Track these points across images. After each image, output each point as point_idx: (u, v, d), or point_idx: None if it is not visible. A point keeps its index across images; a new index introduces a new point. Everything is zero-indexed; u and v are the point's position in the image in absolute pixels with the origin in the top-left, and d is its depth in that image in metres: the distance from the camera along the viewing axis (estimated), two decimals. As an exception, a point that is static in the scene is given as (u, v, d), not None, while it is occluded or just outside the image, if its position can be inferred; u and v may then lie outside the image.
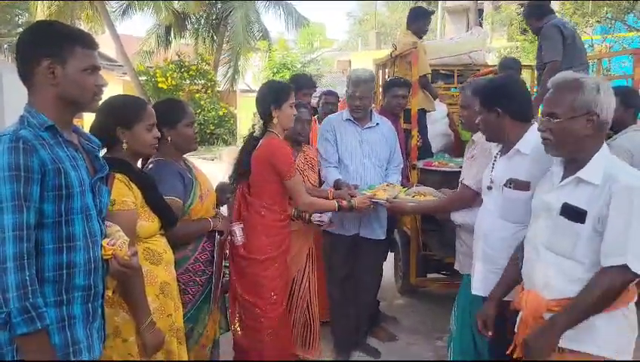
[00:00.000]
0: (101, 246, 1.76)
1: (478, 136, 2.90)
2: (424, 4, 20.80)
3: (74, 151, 1.72)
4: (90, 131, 2.28)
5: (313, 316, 3.60)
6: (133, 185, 2.19)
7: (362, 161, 3.63)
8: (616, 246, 1.80)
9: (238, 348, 3.18)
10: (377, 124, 3.72)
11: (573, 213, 1.91)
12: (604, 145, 1.97)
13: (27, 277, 1.51)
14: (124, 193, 2.14)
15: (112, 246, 1.78)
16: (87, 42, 1.72)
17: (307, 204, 3.11)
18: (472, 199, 2.87)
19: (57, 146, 1.65)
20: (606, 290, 1.81)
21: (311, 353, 3.62)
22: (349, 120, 3.69)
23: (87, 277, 1.70)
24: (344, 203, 3.20)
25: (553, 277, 1.95)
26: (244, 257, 3.01)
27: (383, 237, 3.79)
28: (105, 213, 1.86)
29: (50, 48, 1.66)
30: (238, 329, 3.11)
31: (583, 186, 1.92)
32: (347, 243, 3.68)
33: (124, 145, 2.23)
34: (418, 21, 4.95)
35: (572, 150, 1.97)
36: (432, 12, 5.22)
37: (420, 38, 4.93)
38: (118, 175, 2.14)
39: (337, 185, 3.51)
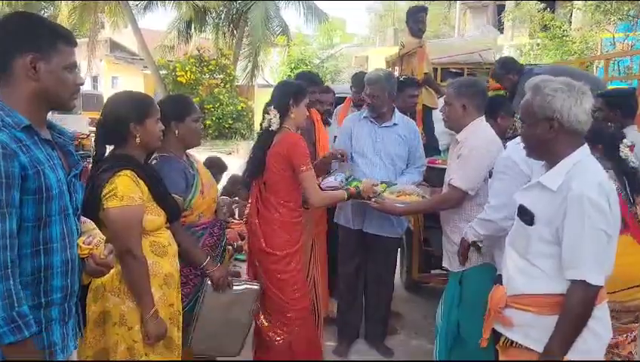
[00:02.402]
0: (77, 245, 1.74)
1: (462, 136, 2.95)
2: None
3: (50, 150, 1.68)
4: (98, 128, 2.37)
5: (318, 308, 3.69)
6: (140, 181, 2.26)
7: (372, 159, 3.68)
8: (572, 258, 1.82)
9: (263, 339, 3.20)
10: (395, 123, 3.74)
11: (524, 215, 1.96)
12: (581, 149, 1.93)
13: (12, 286, 1.49)
14: (131, 189, 2.21)
15: (89, 245, 1.76)
16: (68, 39, 1.69)
17: (320, 198, 3.15)
18: (462, 200, 2.92)
19: (34, 146, 1.61)
20: (579, 308, 1.82)
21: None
22: (366, 118, 3.76)
23: (65, 277, 1.68)
24: (352, 189, 3.26)
25: (513, 273, 2.01)
26: (264, 251, 3.08)
27: (396, 236, 3.84)
28: (80, 210, 1.83)
29: (33, 43, 1.61)
30: (264, 321, 3.15)
31: (545, 191, 1.92)
32: (354, 237, 3.76)
33: (137, 140, 2.31)
34: (408, 21, 4.99)
35: (541, 154, 2.00)
36: (421, 9, 5.12)
37: (419, 36, 4.95)
38: (125, 171, 2.22)
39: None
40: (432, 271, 4.75)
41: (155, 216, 2.33)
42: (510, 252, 2.06)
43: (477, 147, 2.86)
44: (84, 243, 1.76)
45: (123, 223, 2.18)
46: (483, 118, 2.99)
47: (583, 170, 1.88)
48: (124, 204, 2.17)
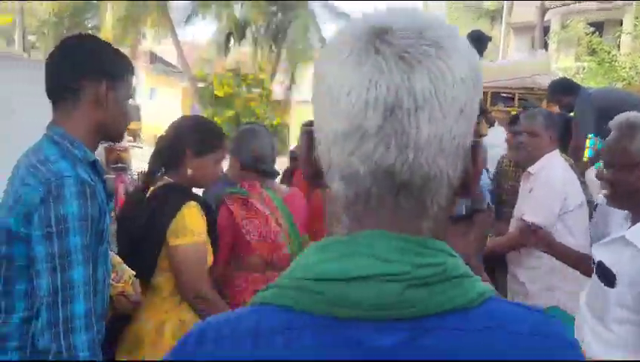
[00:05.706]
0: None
1: (536, 169, 2.84)
2: (487, 20, 20.36)
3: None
4: (157, 144, 2.15)
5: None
6: (203, 214, 2.04)
7: None
8: None
9: None
10: None
11: (604, 274, 1.73)
12: None
13: (94, 335, 1.40)
14: (199, 223, 1.98)
15: (118, 282, 1.65)
16: (133, 71, 1.62)
17: None
18: None
19: (99, 183, 1.49)
20: None
21: None
22: None
23: (100, 322, 1.55)
24: None
25: (589, 338, 1.79)
26: None
27: None
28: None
29: (110, 69, 1.52)
30: None
31: (629, 248, 1.68)
32: None
33: (189, 171, 2.05)
34: (469, 42, 4.78)
35: (630, 203, 1.76)
36: (489, 39, 5.04)
37: None
38: (191, 202, 1.99)
39: None
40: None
41: (210, 254, 2.08)
42: (586, 313, 1.85)
43: (550, 179, 2.77)
44: (113, 280, 1.64)
45: (194, 261, 1.95)
46: (557, 150, 2.94)
47: None
48: (195, 240, 1.93)
